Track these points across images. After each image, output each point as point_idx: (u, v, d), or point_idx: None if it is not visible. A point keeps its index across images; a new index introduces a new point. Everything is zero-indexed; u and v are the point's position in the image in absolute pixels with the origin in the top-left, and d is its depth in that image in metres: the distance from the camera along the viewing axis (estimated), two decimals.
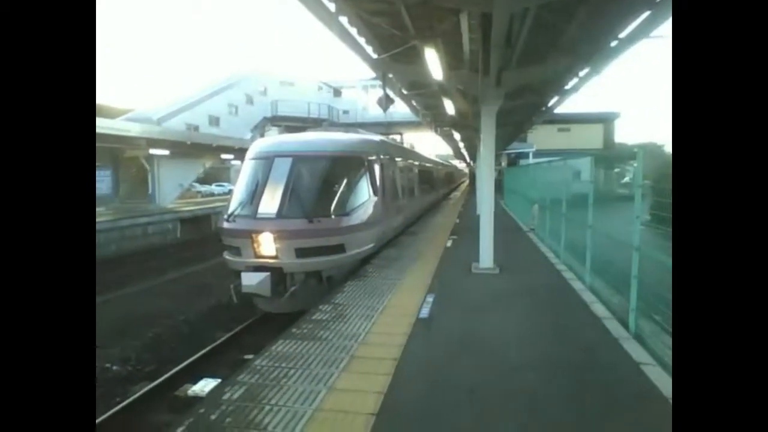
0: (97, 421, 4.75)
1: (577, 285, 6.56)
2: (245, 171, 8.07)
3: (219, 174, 39.49)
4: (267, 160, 7.65)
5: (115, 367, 6.53)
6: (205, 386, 5.27)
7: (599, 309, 5.40)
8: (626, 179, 7.34)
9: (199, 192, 34.25)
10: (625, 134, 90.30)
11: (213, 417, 3.17)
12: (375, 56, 7.97)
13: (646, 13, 6.20)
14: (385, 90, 10.67)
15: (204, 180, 34.40)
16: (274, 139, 9.35)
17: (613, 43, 7.25)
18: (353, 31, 7.04)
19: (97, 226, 15.37)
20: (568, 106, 18.65)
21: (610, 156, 12.22)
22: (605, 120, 37.03)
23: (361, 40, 7.46)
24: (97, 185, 22.76)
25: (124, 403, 5.18)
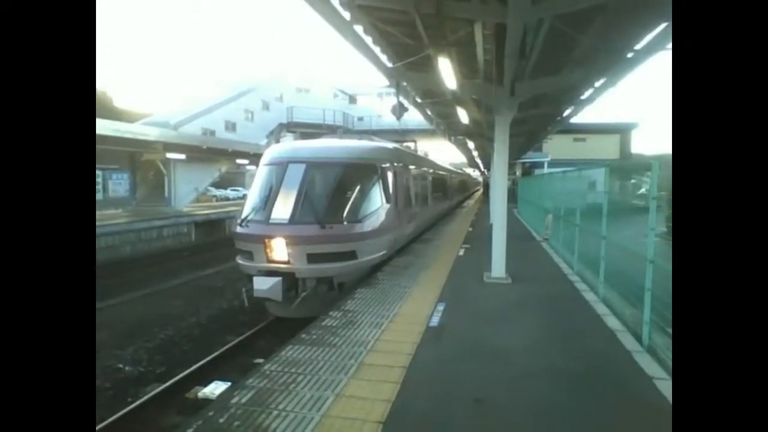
0: (106, 422, 4.81)
1: (589, 296, 6.47)
2: (259, 176, 8.17)
3: (234, 178, 39.97)
4: (281, 166, 7.74)
5: (127, 368, 6.63)
6: (215, 389, 5.30)
7: (612, 321, 5.32)
8: (642, 190, 7.25)
9: (214, 196, 34.71)
10: (642, 145, 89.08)
11: (221, 420, 3.20)
12: (389, 65, 8.03)
13: (663, 26, 6.16)
14: (398, 98, 10.73)
15: (219, 184, 34.83)
16: (289, 146, 9.43)
17: (630, 55, 7.19)
18: (368, 39, 7.11)
19: (114, 228, 15.66)
20: (584, 116, 18.48)
21: (626, 166, 12.06)
22: (622, 130, 36.57)
23: (376, 49, 7.52)
24: (115, 188, 23.25)
25: (134, 405, 5.24)
